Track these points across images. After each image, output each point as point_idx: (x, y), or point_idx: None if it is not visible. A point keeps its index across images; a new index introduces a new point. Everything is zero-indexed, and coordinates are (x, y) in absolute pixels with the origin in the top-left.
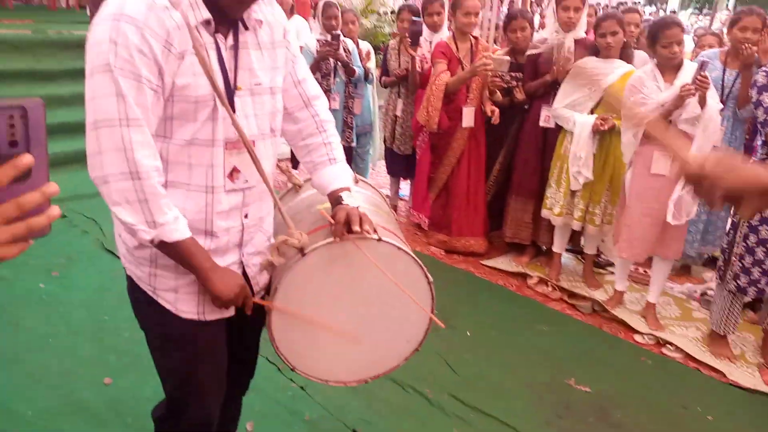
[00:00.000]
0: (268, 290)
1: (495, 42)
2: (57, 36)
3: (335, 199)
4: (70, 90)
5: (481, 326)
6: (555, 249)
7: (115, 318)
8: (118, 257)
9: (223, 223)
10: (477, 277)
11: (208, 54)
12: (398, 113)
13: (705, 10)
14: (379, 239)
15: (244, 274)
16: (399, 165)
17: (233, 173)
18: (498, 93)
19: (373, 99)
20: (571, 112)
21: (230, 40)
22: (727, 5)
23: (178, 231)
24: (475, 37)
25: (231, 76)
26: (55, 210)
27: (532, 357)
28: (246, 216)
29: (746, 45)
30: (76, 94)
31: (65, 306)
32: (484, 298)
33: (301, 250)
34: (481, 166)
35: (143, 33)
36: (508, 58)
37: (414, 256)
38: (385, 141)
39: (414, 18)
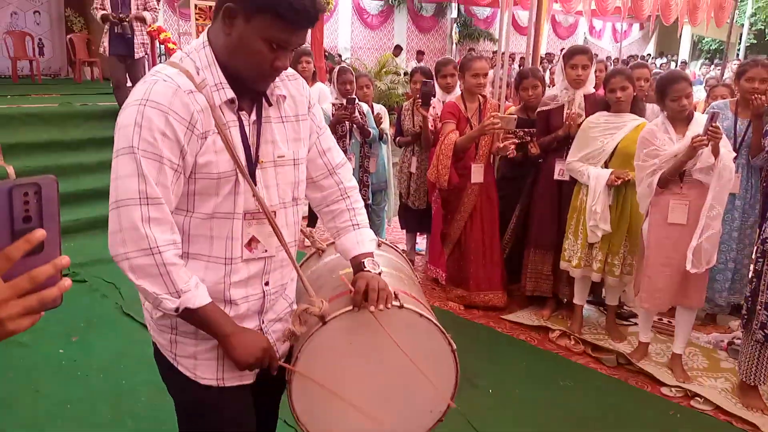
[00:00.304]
0: (288, 359)
1: (507, 99)
2: (82, 107)
3: (357, 265)
4: (95, 158)
5: (503, 383)
6: (576, 301)
7: (133, 382)
8: (137, 321)
9: (242, 291)
10: (497, 332)
11: (231, 131)
12: (413, 170)
13: (716, 61)
14: (401, 306)
15: None
16: (414, 220)
17: (251, 243)
18: (513, 150)
19: (387, 158)
20: (585, 165)
21: (253, 115)
22: (737, 56)
23: (199, 297)
24: (484, 96)
25: (253, 150)
26: (66, 282)
27: (558, 414)
28: (267, 284)
29: (755, 96)
30: (101, 161)
31: (84, 371)
32: (506, 353)
33: (322, 318)
34: (494, 221)
35: (167, 117)
36: (515, 116)
37: (437, 323)
38: (400, 197)
39: (424, 80)
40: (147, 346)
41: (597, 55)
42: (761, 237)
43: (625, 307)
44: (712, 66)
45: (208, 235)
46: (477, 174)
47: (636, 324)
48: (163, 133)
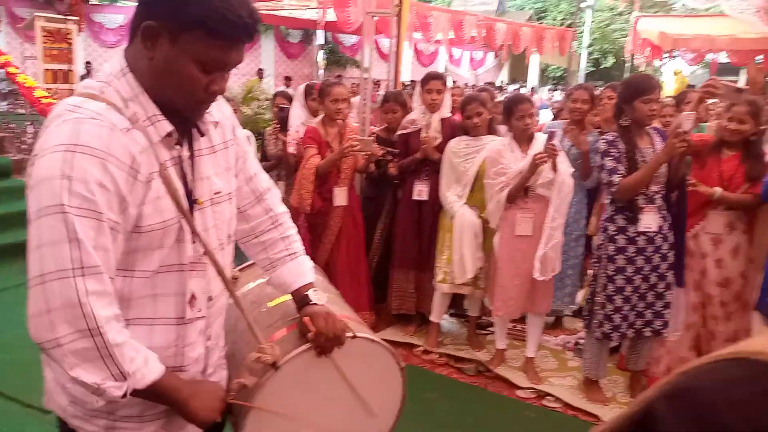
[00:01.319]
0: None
1: (372, 124)
2: None
3: (302, 298)
4: None
5: None
6: (433, 319)
7: None
8: None
9: (193, 353)
10: None
11: (170, 171)
12: (281, 194)
13: (560, 87)
14: (354, 336)
15: None
16: None
17: (192, 300)
18: (372, 165)
19: None
20: (453, 199)
21: (185, 150)
22: (578, 81)
23: (150, 373)
24: (344, 121)
25: (193, 189)
26: None
27: (422, 426)
28: (209, 338)
29: (577, 141)
30: None
31: None
32: None
33: (274, 365)
34: (360, 242)
35: (105, 164)
36: (372, 138)
37: (386, 344)
38: None
39: (281, 106)
40: None
41: (456, 82)
42: (597, 243)
43: (483, 317)
44: (557, 91)
45: (150, 294)
46: (340, 197)
47: (493, 332)
48: (100, 184)
